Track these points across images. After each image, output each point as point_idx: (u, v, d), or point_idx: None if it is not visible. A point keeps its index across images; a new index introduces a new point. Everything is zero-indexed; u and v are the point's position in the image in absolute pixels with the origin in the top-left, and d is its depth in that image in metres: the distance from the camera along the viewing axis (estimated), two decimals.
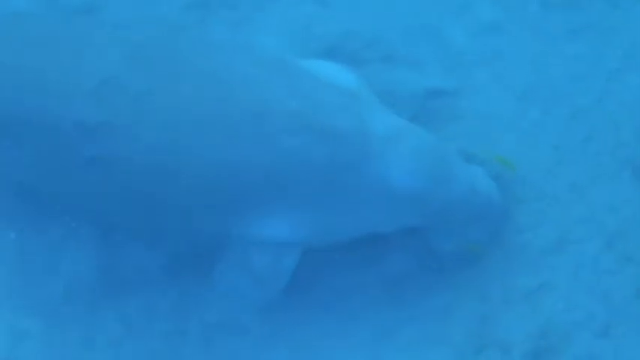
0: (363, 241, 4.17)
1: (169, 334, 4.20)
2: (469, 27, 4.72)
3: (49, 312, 4.21)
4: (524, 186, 4.40)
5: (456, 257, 4.26)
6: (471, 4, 4.73)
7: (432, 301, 4.27)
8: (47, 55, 3.90)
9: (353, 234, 4.09)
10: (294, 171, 3.87)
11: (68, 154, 3.88)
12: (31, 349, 4.15)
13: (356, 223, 4.03)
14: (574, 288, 4.24)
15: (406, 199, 4.00)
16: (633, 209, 4.35)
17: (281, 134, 3.84)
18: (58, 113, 3.85)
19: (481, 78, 4.61)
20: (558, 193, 4.39)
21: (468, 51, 4.67)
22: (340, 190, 3.94)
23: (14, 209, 4.30)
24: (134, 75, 3.85)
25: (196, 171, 3.84)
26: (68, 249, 4.25)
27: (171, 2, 4.69)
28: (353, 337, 4.22)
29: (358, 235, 4.10)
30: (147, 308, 4.24)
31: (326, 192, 3.93)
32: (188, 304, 4.24)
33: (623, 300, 4.21)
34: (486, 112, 4.55)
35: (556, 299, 4.22)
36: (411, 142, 4.01)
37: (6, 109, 3.91)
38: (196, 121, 3.82)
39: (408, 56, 4.64)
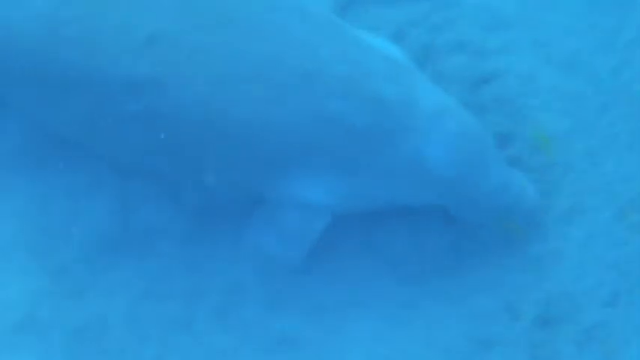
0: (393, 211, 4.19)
1: (187, 295, 4.20)
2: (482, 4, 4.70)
3: (68, 270, 4.21)
4: (538, 154, 4.42)
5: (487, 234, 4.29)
6: None
7: (446, 272, 4.29)
8: (96, 9, 3.84)
9: (382, 204, 4.09)
10: (336, 135, 3.86)
11: (112, 108, 3.85)
12: (50, 307, 4.15)
13: (386, 194, 4.03)
14: (585, 257, 4.26)
15: (437, 179, 3.99)
16: None
17: (327, 97, 3.83)
18: (105, 68, 3.81)
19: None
20: (572, 162, 4.41)
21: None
22: (377, 160, 3.92)
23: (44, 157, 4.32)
24: (184, 30, 3.81)
25: (241, 127, 3.82)
26: (92, 202, 4.24)
27: None
28: (370, 307, 4.23)
29: (386, 205, 4.10)
30: (167, 268, 4.24)
31: (364, 159, 3.91)
32: (208, 266, 4.24)
33: (633, 270, 4.24)
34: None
35: (566, 267, 4.25)
36: (454, 124, 3.99)
37: (53, 63, 3.86)
38: (245, 77, 3.79)
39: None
